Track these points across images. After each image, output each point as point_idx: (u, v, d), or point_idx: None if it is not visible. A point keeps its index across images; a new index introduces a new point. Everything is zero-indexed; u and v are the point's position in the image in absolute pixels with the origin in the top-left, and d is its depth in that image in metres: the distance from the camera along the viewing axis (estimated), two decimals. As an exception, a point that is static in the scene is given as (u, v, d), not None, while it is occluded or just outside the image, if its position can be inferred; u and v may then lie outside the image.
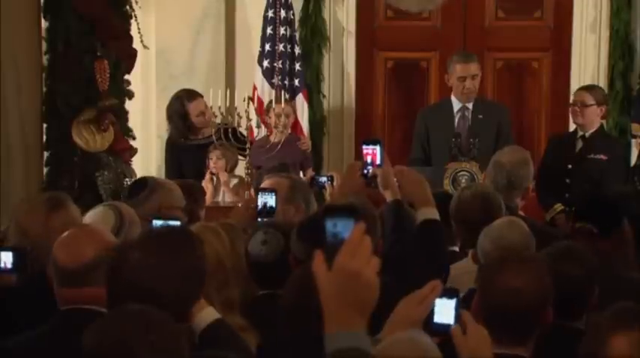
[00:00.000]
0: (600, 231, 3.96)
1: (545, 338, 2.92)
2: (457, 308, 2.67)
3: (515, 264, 2.91)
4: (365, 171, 3.75)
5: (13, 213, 3.56)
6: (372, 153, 3.73)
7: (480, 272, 2.99)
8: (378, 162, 3.72)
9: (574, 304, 3.23)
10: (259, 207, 4.35)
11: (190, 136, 6.95)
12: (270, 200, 4.37)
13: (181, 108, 6.90)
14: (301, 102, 7.75)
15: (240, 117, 6.53)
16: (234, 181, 6.65)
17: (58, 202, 3.59)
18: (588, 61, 7.74)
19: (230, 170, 6.64)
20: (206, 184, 6.39)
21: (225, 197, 6.56)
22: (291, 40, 7.76)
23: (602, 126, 6.72)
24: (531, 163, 5.17)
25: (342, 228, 1.79)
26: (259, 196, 4.42)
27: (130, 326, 2.26)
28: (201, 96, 6.91)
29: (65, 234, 3.04)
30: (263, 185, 4.84)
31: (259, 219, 4.30)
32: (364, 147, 3.77)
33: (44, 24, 6.42)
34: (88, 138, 6.34)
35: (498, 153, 5.32)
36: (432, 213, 3.66)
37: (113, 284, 2.58)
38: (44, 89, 6.42)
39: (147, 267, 2.54)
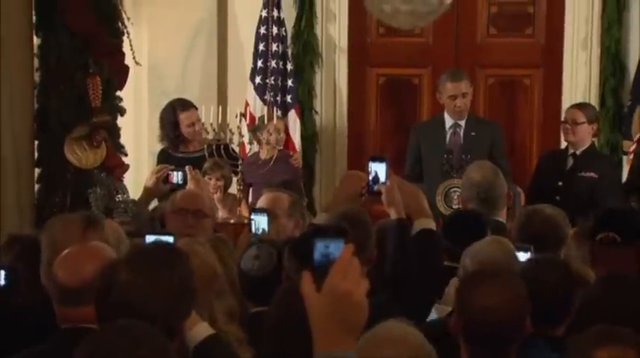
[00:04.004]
0: (623, 240, 3.93)
1: (525, 348, 2.95)
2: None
3: (491, 281, 2.93)
4: (370, 188, 3.76)
5: (46, 228, 3.55)
6: (379, 169, 3.75)
7: (458, 290, 2.99)
8: (383, 179, 3.73)
9: (555, 311, 3.26)
10: (252, 229, 4.33)
11: (181, 148, 6.95)
12: (263, 222, 4.35)
13: (173, 116, 6.93)
14: (293, 119, 7.74)
15: (233, 134, 6.52)
16: (228, 199, 6.64)
17: (93, 220, 3.58)
18: (579, 78, 7.75)
19: (225, 189, 6.62)
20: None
21: (219, 214, 6.55)
22: (283, 57, 7.76)
23: (593, 143, 6.73)
24: (500, 171, 5.22)
25: (333, 248, 1.80)
26: (252, 217, 4.41)
27: (120, 341, 2.25)
28: (195, 108, 6.93)
29: (65, 251, 3.01)
30: (258, 203, 4.83)
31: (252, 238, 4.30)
32: (371, 163, 3.78)
33: (36, 40, 6.41)
34: (80, 155, 6.32)
35: (467, 172, 5.33)
36: (428, 223, 3.67)
37: (102, 304, 2.58)
38: (36, 106, 6.40)
39: (135, 286, 2.54)
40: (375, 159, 3.79)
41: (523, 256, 3.90)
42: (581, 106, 6.76)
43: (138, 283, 2.54)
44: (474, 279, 3.01)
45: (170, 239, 3.50)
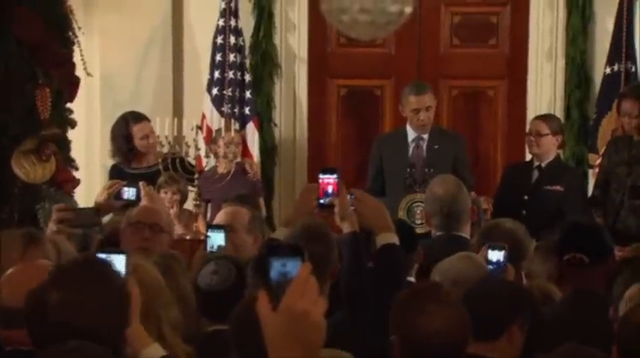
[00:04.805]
0: (591, 261, 3.85)
1: None
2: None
3: (432, 302, 2.85)
4: (322, 201, 3.70)
5: None
6: (330, 182, 3.69)
7: (395, 313, 2.89)
8: (335, 191, 3.68)
9: (490, 326, 3.15)
10: (208, 247, 4.26)
11: (134, 164, 6.81)
12: (218, 239, 4.27)
13: (125, 129, 6.83)
14: (252, 131, 7.67)
15: (189, 147, 6.45)
16: (184, 214, 6.54)
17: (34, 237, 3.57)
18: (544, 90, 7.74)
19: (181, 204, 6.51)
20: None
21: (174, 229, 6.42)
22: (241, 67, 7.70)
23: (558, 156, 6.72)
24: (463, 185, 5.15)
25: (290, 267, 1.77)
26: (208, 234, 4.34)
27: None
28: (148, 120, 6.88)
29: (9, 271, 2.93)
30: (217, 217, 4.79)
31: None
32: (321, 176, 3.71)
33: (-17, 50, 6.26)
34: (28, 169, 6.22)
35: (430, 186, 5.20)
36: (391, 237, 3.65)
37: (36, 326, 2.51)
38: (-18, 118, 6.25)
39: (68, 305, 2.48)
40: (325, 172, 3.73)
41: (497, 255, 3.91)
42: (545, 118, 6.74)
43: (70, 302, 2.49)
44: (413, 302, 2.91)
45: (122, 257, 3.41)
